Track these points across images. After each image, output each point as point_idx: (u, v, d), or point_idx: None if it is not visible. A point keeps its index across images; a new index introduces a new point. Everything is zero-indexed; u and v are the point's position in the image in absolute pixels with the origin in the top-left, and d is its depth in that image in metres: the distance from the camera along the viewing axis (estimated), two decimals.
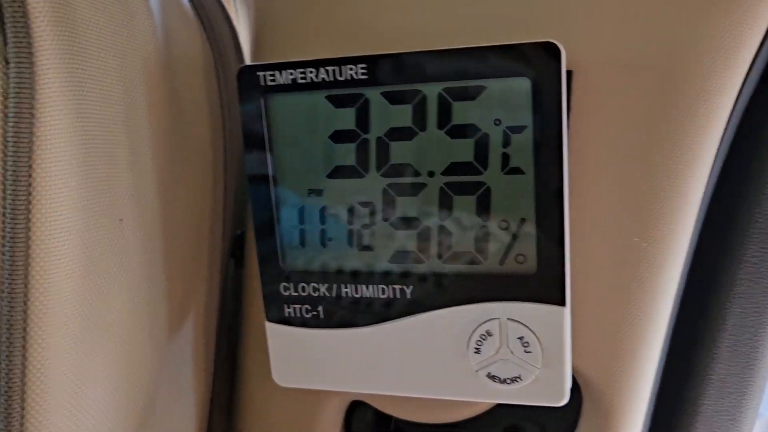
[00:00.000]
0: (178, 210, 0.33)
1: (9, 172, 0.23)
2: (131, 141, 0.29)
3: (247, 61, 0.41)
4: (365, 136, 0.27)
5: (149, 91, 0.30)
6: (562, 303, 0.26)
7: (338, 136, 0.28)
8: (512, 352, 0.27)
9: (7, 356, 0.24)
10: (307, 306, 0.29)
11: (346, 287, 0.29)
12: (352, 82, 0.27)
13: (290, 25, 0.33)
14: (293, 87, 0.27)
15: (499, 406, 0.31)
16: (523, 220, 0.26)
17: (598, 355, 0.29)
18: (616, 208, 0.28)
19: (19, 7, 0.23)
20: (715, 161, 0.28)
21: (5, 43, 0.23)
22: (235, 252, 0.41)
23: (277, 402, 0.35)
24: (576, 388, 0.30)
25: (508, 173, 0.26)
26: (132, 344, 0.29)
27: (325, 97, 0.27)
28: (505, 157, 0.26)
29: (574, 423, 0.31)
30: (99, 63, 0.27)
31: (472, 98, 0.26)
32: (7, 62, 0.23)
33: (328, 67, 0.27)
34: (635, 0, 0.26)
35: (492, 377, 0.28)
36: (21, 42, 0.23)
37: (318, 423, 0.34)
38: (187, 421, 0.36)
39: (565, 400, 0.27)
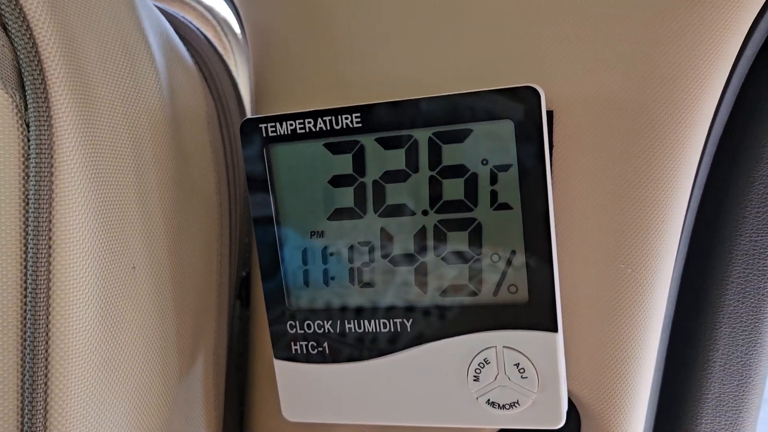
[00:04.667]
0: (186, 255, 0.34)
1: (30, 227, 0.25)
2: (141, 192, 0.30)
3: (248, 110, 0.43)
4: (362, 179, 0.29)
5: (156, 144, 0.32)
6: (555, 329, 0.28)
7: (337, 181, 0.29)
8: (509, 378, 0.29)
9: (30, 402, 0.25)
10: (312, 343, 0.31)
11: (349, 323, 0.30)
12: (347, 130, 0.29)
13: (287, 77, 0.34)
14: (293, 136, 0.29)
15: None
16: (513, 253, 0.28)
17: (592, 377, 0.30)
18: (601, 237, 0.29)
19: (38, 74, 0.25)
20: (693, 189, 0.30)
21: (26, 109, 0.25)
22: (241, 293, 0.42)
23: None
24: (574, 412, 0.32)
25: (497, 209, 0.28)
26: (145, 386, 0.30)
27: (323, 144, 0.29)
28: (494, 194, 0.28)
29: None
30: (109, 121, 0.28)
31: (461, 140, 0.27)
32: (28, 126, 0.25)
33: (324, 117, 0.29)
34: (607, 45, 0.28)
35: (492, 403, 0.29)
36: (40, 107, 0.25)
37: None
38: None
39: (561, 423, 0.29)
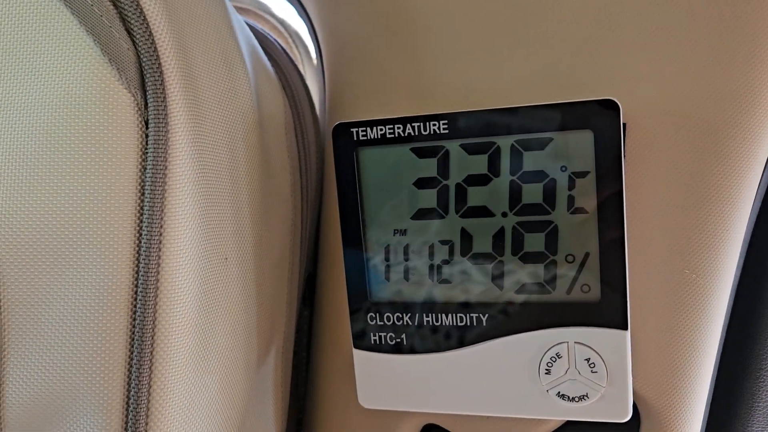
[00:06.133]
0: (266, 252, 0.36)
1: (145, 215, 0.27)
2: (234, 187, 0.33)
3: (320, 119, 0.46)
4: (445, 182, 0.31)
5: (247, 146, 0.34)
6: (625, 327, 0.29)
7: (421, 183, 0.32)
8: (580, 373, 0.30)
9: (137, 376, 0.27)
10: (391, 334, 0.33)
11: (427, 316, 0.32)
12: (434, 136, 0.31)
13: (364, 86, 0.37)
14: (382, 141, 0.31)
15: (563, 427, 0.34)
16: (587, 254, 0.30)
17: (654, 377, 0.32)
18: (669, 243, 0.31)
19: (158, 76, 0.28)
20: (754, 201, 0.32)
21: (146, 107, 0.27)
22: (305, 291, 0.45)
23: (350, 428, 0.38)
24: (635, 410, 0.33)
25: (573, 213, 0.30)
26: (231, 374, 0.33)
27: (410, 149, 0.31)
28: (571, 199, 0.30)
29: None
30: (211, 121, 0.31)
31: (541, 148, 0.30)
32: (147, 123, 0.27)
33: (413, 123, 0.31)
34: (681, 60, 0.30)
35: (561, 396, 0.31)
36: (159, 106, 0.27)
37: None
38: None
39: (628, 416, 0.30)
